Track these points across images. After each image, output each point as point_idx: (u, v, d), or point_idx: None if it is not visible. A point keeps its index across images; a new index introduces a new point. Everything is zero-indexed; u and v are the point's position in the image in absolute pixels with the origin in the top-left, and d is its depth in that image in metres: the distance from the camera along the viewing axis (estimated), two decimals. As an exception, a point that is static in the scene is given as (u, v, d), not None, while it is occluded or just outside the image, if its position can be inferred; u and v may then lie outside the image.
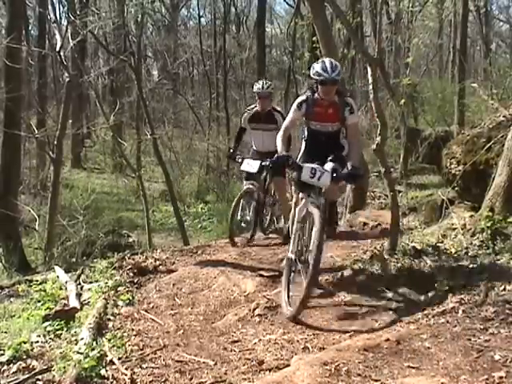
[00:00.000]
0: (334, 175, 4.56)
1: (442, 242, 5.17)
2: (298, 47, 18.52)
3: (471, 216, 5.47)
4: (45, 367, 3.55)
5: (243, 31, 28.16)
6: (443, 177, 7.00)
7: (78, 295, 5.18)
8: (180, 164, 21.12)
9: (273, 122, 6.58)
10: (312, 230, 4.38)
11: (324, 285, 4.84)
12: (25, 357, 3.76)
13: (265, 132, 6.68)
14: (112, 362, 3.56)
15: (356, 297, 4.55)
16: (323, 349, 3.60)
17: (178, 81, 28.89)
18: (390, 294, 4.47)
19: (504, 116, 6.21)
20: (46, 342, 4.10)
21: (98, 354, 3.56)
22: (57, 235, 12.58)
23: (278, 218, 7.21)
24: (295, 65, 18.22)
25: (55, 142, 12.75)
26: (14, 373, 3.57)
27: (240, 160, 6.80)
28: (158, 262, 6.14)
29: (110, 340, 3.94)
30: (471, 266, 4.55)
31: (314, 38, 8.92)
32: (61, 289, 5.50)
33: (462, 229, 5.13)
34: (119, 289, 5.23)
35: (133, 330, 4.27)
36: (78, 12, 14.40)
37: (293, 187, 5.77)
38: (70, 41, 13.01)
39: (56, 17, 16.70)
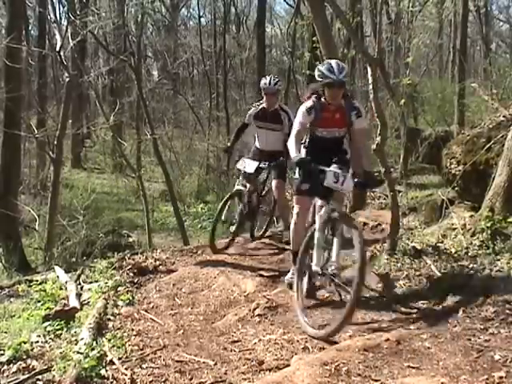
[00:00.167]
0: (356, 180, 4.34)
1: (442, 242, 5.16)
2: (298, 47, 18.53)
3: (471, 216, 5.47)
4: (45, 367, 3.55)
5: (243, 31, 28.14)
6: (443, 177, 6.99)
7: (78, 295, 5.18)
8: (180, 164, 21.12)
9: (278, 122, 6.29)
10: (333, 238, 4.22)
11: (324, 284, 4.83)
12: (25, 357, 3.76)
13: (269, 131, 6.37)
14: (112, 362, 3.56)
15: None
16: (323, 349, 3.61)
17: (178, 81, 28.88)
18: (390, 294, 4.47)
19: (504, 116, 6.20)
20: (46, 342, 4.11)
21: (98, 354, 3.56)
22: (57, 235, 12.58)
23: (278, 219, 7.13)
24: (295, 65, 18.22)
25: (55, 142, 12.75)
26: (14, 373, 3.58)
27: (237, 158, 6.63)
28: (157, 262, 6.14)
29: (109, 340, 3.94)
30: (471, 265, 4.55)
31: (314, 38, 8.90)
32: (61, 289, 5.50)
33: (462, 229, 5.13)
34: (119, 289, 5.23)
35: (133, 329, 4.27)
36: (78, 12, 14.40)
37: (291, 192, 5.74)
38: (70, 41, 13.01)
39: (56, 17, 16.75)
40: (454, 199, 6.53)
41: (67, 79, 13.06)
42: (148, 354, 3.74)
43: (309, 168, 4.30)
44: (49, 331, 4.30)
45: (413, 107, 14.59)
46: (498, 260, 4.48)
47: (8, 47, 11.70)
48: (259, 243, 6.60)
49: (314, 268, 4.24)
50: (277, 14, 31.67)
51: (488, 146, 5.88)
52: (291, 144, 4.47)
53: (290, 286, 4.78)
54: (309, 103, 4.58)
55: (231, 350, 3.77)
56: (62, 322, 4.39)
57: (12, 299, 5.97)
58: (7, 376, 3.54)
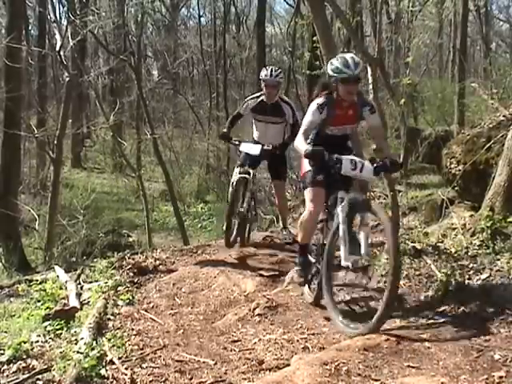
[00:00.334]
0: (375, 165, 4.11)
1: (442, 242, 5.16)
2: (298, 47, 18.54)
3: (471, 216, 5.47)
4: (45, 367, 3.55)
5: (243, 31, 28.13)
6: (443, 176, 7.00)
7: (78, 295, 5.18)
8: (180, 164, 21.15)
9: (280, 115, 6.00)
10: (359, 229, 3.97)
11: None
12: (25, 356, 3.76)
13: (270, 125, 6.08)
14: (112, 362, 3.55)
15: (356, 297, 4.54)
16: (323, 349, 3.60)
17: (178, 81, 28.89)
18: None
19: (504, 116, 6.20)
20: (46, 341, 4.10)
21: (98, 354, 3.56)
22: (57, 235, 12.60)
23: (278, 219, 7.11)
24: (295, 65, 18.21)
25: (55, 142, 12.78)
26: (13, 372, 3.57)
27: (237, 142, 6.18)
28: (157, 262, 6.14)
29: (109, 340, 3.94)
30: (471, 265, 4.55)
31: (314, 38, 8.91)
32: (61, 288, 5.50)
33: (462, 228, 5.12)
34: (119, 288, 5.23)
35: (133, 329, 4.27)
36: (78, 12, 14.43)
37: (291, 192, 5.66)
38: (70, 40, 13.04)
39: (56, 17, 16.76)
40: (453, 199, 6.54)
41: (67, 79, 13.08)
42: (148, 354, 3.73)
43: (323, 158, 4.02)
44: (49, 331, 4.29)
45: (413, 107, 14.59)
46: (498, 260, 4.48)
47: (8, 47, 11.73)
48: (259, 243, 6.60)
49: (344, 263, 3.93)
50: (277, 13, 31.63)
51: (488, 145, 5.88)
52: (299, 142, 4.22)
53: (303, 282, 4.61)
54: (320, 100, 4.30)
55: (231, 350, 3.77)
56: (62, 322, 4.39)
57: (12, 299, 5.97)
58: (7, 376, 3.54)
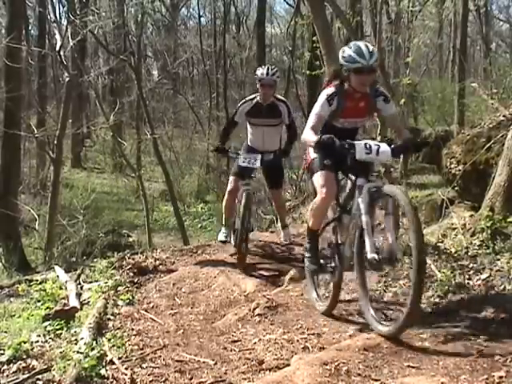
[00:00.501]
0: (393, 146, 3.81)
1: (442, 242, 5.16)
2: (298, 47, 18.54)
3: (471, 216, 5.47)
4: (45, 367, 3.54)
5: (243, 31, 28.14)
6: (443, 176, 6.99)
7: (78, 295, 5.18)
8: (180, 164, 21.16)
9: (276, 116, 5.73)
10: (385, 218, 3.70)
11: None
12: (25, 356, 3.76)
13: (266, 128, 5.79)
14: (112, 362, 3.55)
15: (356, 297, 4.54)
16: (323, 349, 3.60)
17: (178, 81, 28.90)
18: (390, 294, 4.46)
19: (504, 116, 6.19)
20: (46, 341, 4.10)
21: (98, 354, 3.56)
22: (57, 235, 12.61)
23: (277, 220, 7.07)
24: (295, 64, 18.22)
25: (55, 142, 12.79)
26: (13, 372, 3.57)
27: (234, 155, 5.85)
28: (157, 262, 6.14)
29: (109, 340, 3.94)
30: (471, 265, 4.55)
31: (314, 38, 8.92)
32: (61, 288, 5.50)
33: (462, 228, 5.12)
34: (119, 288, 5.23)
35: (133, 329, 4.27)
36: (78, 12, 14.43)
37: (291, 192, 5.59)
38: (70, 40, 13.04)
39: (56, 17, 16.77)
40: (453, 199, 6.53)
41: (67, 79, 13.09)
42: (148, 354, 3.73)
43: (334, 145, 3.72)
44: (49, 331, 4.29)
45: (413, 107, 14.59)
46: (498, 260, 4.48)
47: (8, 47, 11.73)
48: (259, 243, 6.61)
49: (370, 256, 3.61)
50: (277, 13, 31.66)
51: (488, 145, 5.87)
52: (308, 134, 3.92)
53: (314, 272, 4.37)
54: (330, 90, 4.00)
55: (231, 350, 3.77)
56: (62, 322, 4.39)
57: (12, 299, 5.97)
58: (7, 376, 3.54)
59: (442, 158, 6.77)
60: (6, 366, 3.66)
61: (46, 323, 4.41)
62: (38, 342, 4.08)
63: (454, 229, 5.23)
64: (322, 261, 4.29)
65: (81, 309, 4.78)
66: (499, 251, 4.59)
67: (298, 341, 3.78)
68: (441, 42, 21.62)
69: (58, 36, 13.06)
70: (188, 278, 5.45)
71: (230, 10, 26.10)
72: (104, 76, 25.69)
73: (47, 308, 4.81)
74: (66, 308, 4.77)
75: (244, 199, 5.63)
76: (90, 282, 5.63)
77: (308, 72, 12.49)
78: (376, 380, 3.02)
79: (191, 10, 31.77)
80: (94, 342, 3.81)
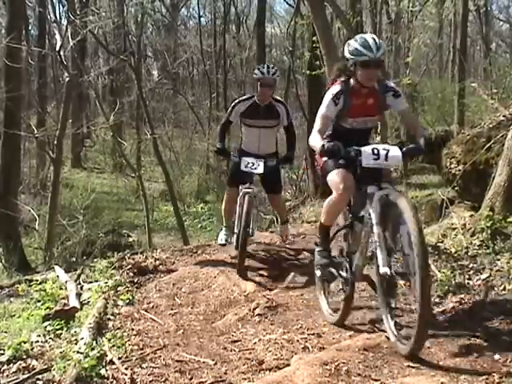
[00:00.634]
0: (404, 149, 3.58)
1: (442, 242, 5.16)
2: (298, 47, 18.51)
3: (471, 216, 5.47)
4: (45, 367, 3.54)
5: (243, 31, 28.15)
6: (443, 176, 6.99)
7: (78, 295, 5.18)
8: (180, 164, 21.17)
9: (274, 117, 5.50)
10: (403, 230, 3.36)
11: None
12: (25, 356, 3.75)
13: (263, 130, 5.53)
14: (112, 362, 3.55)
15: (356, 297, 4.54)
16: (323, 349, 3.60)
17: (178, 81, 28.92)
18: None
19: (504, 116, 6.19)
20: (46, 341, 4.10)
21: (98, 354, 3.56)
22: (57, 235, 12.61)
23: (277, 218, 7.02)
24: (295, 64, 18.20)
25: (55, 142, 12.79)
26: (13, 372, 3.57)
27: (237, 158, 5.56)
28: (157, 262, 6.14)
29: (109, 340, 3.94)
30: (471, 265, 4.55)
31: (314, 38, 8.92)
32: (61, 288, 5.50)
33: (462, 228, 5.12)
34: (119, 288, 5.23)
35: (133, 329, 4.26)
36: (78, 12, 14.42)
37: (291, 192, 5.47)
38: (70, 40, 13.05)
39: (56, 17, 16.81)
40: (453, 199, 6.53)
41: (67, 79, 13.09)
42: (148, 354, 3.73)
43: (339, 153, 3.53)
44: (49, 331, 4.29)
45: (413, 107, 14.59)
46: (498, 260, 4.49)
47: (8, 47, 11.73)
48: (259, 243, 6.60)
49: (382, 270, 3.38)
50: (277, 13, 31.66)
51: (488, 145, 5.88)
52: (314, 139, 3.72)
53: (329, 278, 4.07)
54: (335, 88, 3.80)
55: (231, 350, 3.77)
56: (62, 322, 4.39)
57: (12, 299, 5.97)
58: (7, 376, 3.54)
59: (442, 158, 6.77)
60: (6, 366, 3.66)
61: (46, 323, 4.41)
62: (37, 342, 4.08)
63: (454, 229, 5.24)
64: (332, 269, 4.03)
65: (81, 309, 4.78)
66: (499, 251, 4.60)
67: (297, 341, 3.78)
68: (441, 42, 21.64)
69: (57, 36, 13.06)
70: (188, 278, 5.45)
71: (230, 9, 26.13)
72: (104, 76, 25.69)
73: (47, 308, 4.81)
74: (66, 308, 4.77)
75: (246, 204, 5.36)
76: (90, 282, 5.62)
77: (308, 72, 12.48)
78: (376, 380, 3.02)
79: (191, 9, 31.83)
80: (94, 342, 3.81)
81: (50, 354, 3.78)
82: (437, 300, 4.19)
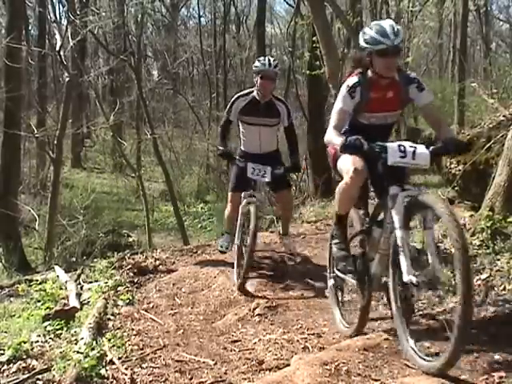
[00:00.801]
0: (432, 148, 3.27)
1: (442, 242, 5.16)
2: (298, 47, 18.51)
3: (471, 216, 5.46)
4: (45, 367, 3.54)
5: (243, 31, 28.15)
6: (443, 176, 6.99)
7: (78, 295, 5.18)
8: (180, 164, 21.16)
9: (275, 116, 5.23)
10: (424, 232, 3.22)
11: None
12: (25, 356, 3.75)
13: (263, 128, 5.27)
14: (112, 362, 3.55)
15: (356, 297, 4.54)
16: (323, 349, 3.60)
17: (178, 81, 28.91)
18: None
19: (504, 116, 6.19)
20: (46, 341, 4.10)
21: (98, 354, 3.56)
22: (57, 235, 12.61)
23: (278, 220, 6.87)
24: (295, 65, 18.21)
25: (55, 142, 12.79)
26: (13, 372, 3.57)
27: (242, 163, 5.19)
28: (157, 262, 6.14)
29: (109, 340, 3.94)
30: (471, 265, 4.55)
31: (314, 38, 8.93)
32: (61, 288, 5.50)
33: (462, 229, 5.12)
34: (119, 288, 5.23)
35: (133, 329, 4.27)
36: (78, 12, 14.41)
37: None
38: (70, 40, 13.04)
39: (56, 17, 16.80)
40: (453, 199, 6.53)
41: (67, 79, 13.08)
42: (148, 354, 3.73)
43: (362, 148, 3.24)
44: (49, 331, 4.29)
45: (413, 107, 14.61)
46: (498, 260, 4.48)
47: (8, 47, 11.73)
48: (259, 243, 6.59)
49: (407, 278, 3.09)
50: (277, 13, 31.68)
51: (488, 145, 5.87)
52: (332, 136, 3.47)
53: (345, 270, 3.71)
54: (352, 80, 3.53)
55: (231, 350, 3.77)
56: (62, 322, 4.39)
57: (12, 299, 5.97)
58: (7, 376, 3.54)
59: (442, 158, 6.77)
60: (6, 366, 3.66)
61: (46, 323, 4.41)
62: (37, 342, 4.08)
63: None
64: (348, 276, 3.73)
65: (81, 309, 4.78)
66: (499, 251, 4.59)
67: (297, 341, 3.78)
68: (441, 42, 21.66)
69: (57, 36, 13.06)
70: (188, 278, 5.45)
71: (230, 9, 26.13)
72: (104, 76, 25.70)
73: (47, 308, 4.81)
74: (66, 308, 4.77)
75: (252, 215, 4.91)
76: (90, 282, 5.63)
77: (308, 72, 12.49)
78: (376, 380, 3.02)
79: (191, 9, 31.85)
80: (94, 342, 3.81)
81: (50, 354, 3.78)
82: (437, 300, 4.18)
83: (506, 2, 25.32)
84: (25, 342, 3.93)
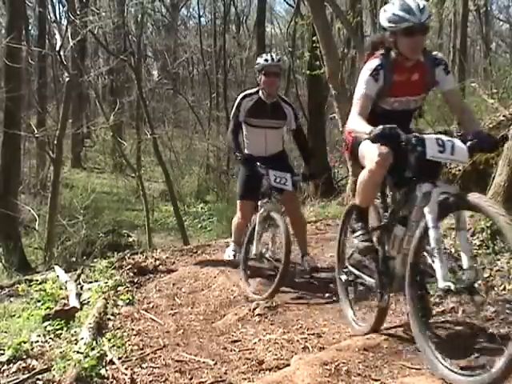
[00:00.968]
0: (469, 144, 2.96)
1: (442, 242, 5.16)
2: (298, 47, 18.54)
3: (471, 216, 5.47)
4: (45, 367, 3.54)
5: (243, 31, 28.17)
6: (443, 176, 6.99)
7: (78, 295, 5.18)
8: (180, 164, 21.16)
9: (281, 117, 4.99)
10: (457, 233, 3.06)
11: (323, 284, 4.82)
12: (25, 356, 3.75)
13: (269, 131, 5.02)
14: (112, 362, 3.55)
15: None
16: (323, 349, 3.60)
17: (178, 81, 28.91)
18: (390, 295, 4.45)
19: (504, 116, 6.20)
20: (46, 341, 4.10)
21: (98, 354, 3.56)
22: (57, 235, 12.61)
23: None
24: (295, 65, 18.23)
25: (55, 142, 12.80)
26: (13, 372, 3.57)
27: (265, 171, 4.82)
28: (157, 262, 6.14)
29: (109, 340, 3.94)
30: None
31: (314, 38, 8.92)
32: (61, 288, 5.50)
33: (462, 228, 5.11)
34: (119, 288, 5.23)
35: (133, 329, 4.26)
36: (78, 12, 14.42)
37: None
38: (70, 40, 13.05)
39: (56, 17, 16.83)
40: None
41: (67, 79, 13.09)
42: (148, 354, 3.73)
43: (399, 139, 2.93)
44: (49, 331, 4.29)
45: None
46: (498, 260, 4.48)
47: (8, 47, 11.74)
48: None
49: (443, 284, 2.90)
50: (277, 13, 31.68)
51: (488, 145, 5.87)
52: (357, 123, 3.17)
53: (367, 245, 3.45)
54: (373, 63, 3.22)
55: (231, 350, 3.76)
56: (62, 322, 4.39)
57: (12, 299, 5.97)
58: (7, 376, 3.54)
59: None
60: (6, 366, 3.66)
61: (46, 323, 4.41)
62: (37, 342, 4.08)
63: (454, 229, 5.23)
64: (365, 276, 3.56)
65: (81, 309, 4.78)
66: (499, 251, 4.59)
67: (297, 341, 3.78)
68: (441, 42, 21.65)
69: (57, 36, 13.06)
70: (188, 278, 5.45)
71: (230, 9, 26.13)
72: (104, 76, 25.70)
73: (47, 308, 4.81)
74: (66, 308, 4.77)
75: (282, 226, 4.63)
76: (90, 282, 5.63)
77: (308, 72, 12.50)
78: (376, 380, 3.02)
79: (191, 9, 31.84)
80: (94, 342, 3.81)
81: (50, 354, 3.78)
82: (437, 300, 4.19)
83: (506, 1, 25.34)
84: (25, 342, 3.93)
